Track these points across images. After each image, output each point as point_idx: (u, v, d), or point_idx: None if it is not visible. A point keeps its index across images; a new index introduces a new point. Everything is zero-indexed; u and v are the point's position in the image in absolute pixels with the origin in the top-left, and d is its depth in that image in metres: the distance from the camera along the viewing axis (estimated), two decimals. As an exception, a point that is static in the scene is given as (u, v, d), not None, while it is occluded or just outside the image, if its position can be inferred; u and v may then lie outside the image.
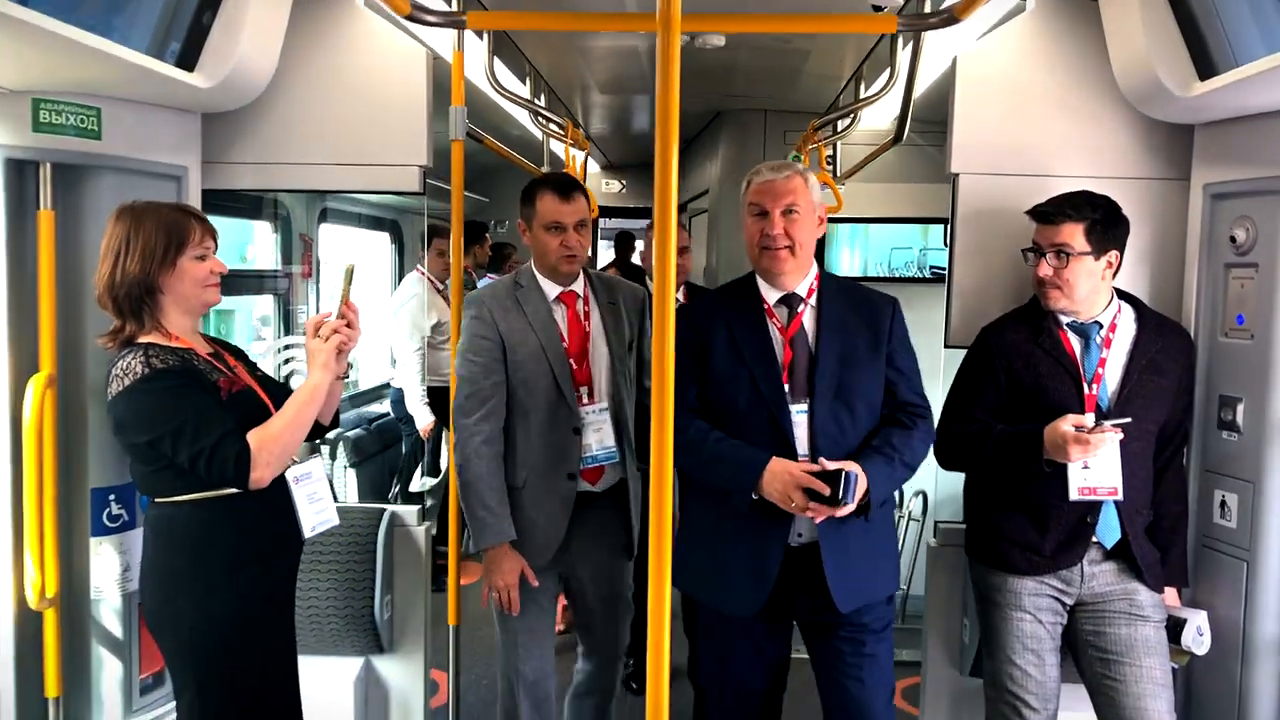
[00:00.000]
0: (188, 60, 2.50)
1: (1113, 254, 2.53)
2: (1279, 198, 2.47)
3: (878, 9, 3.08)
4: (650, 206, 6.03)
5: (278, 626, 2.41)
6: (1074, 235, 2.48)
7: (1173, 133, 2.76)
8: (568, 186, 2.76)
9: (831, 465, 2.26)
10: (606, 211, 8.64)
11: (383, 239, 6.26)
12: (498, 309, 2.75)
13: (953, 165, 2.85)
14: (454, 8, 2.92)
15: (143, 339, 2.22)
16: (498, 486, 2.69)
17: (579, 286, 2.84)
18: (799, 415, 2.38)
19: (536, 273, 2.81)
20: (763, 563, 2.37)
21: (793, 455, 2.34)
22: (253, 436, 2.16)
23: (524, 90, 4.30)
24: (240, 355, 2.50)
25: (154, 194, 2.56)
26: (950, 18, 2.27)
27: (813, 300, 2.48)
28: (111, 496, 2.62)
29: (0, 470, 2.47)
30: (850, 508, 2.26)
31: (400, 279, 6.16)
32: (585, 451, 2.75)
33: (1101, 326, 2.56)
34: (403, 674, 3.11)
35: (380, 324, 5.53)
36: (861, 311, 2.48)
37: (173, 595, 2.25)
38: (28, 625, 2.52)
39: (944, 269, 3.21)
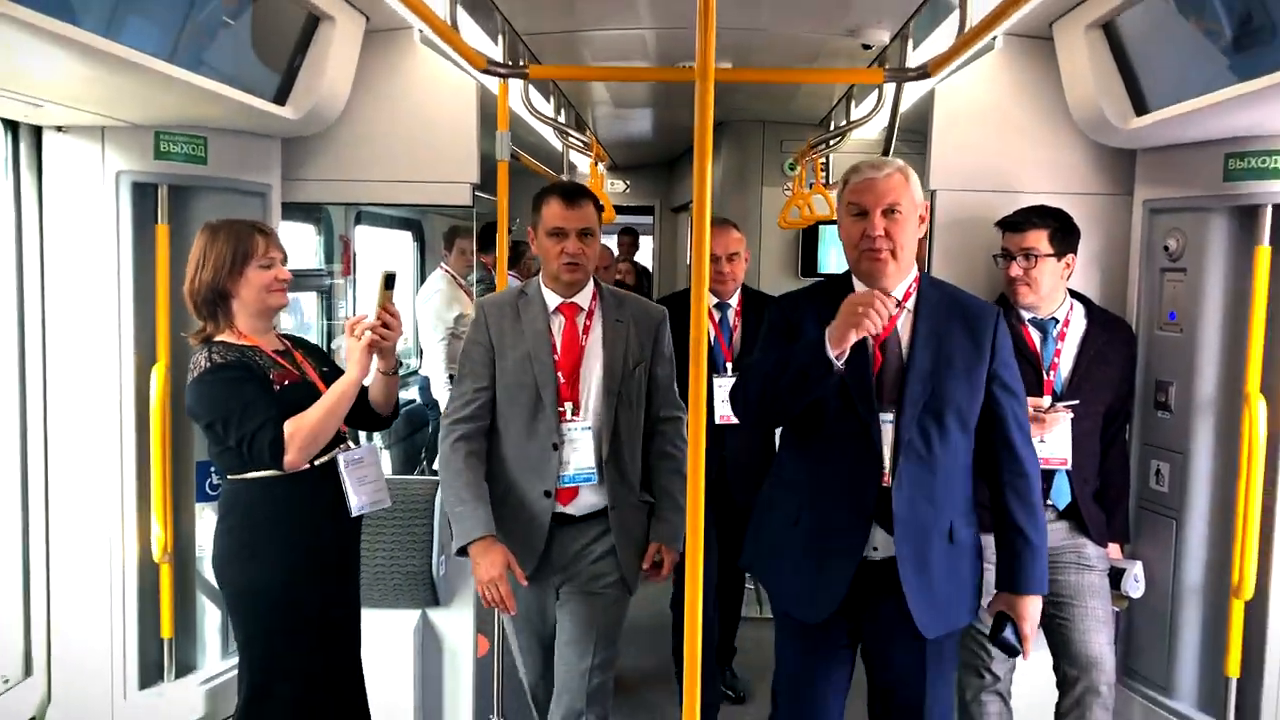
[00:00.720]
0: (281, 96, 2.95)
1: (1069, 257, 2.99)
2: (1203, 213, 2.94)
3: (867, 47, 3.53)
4: (651, 205, 6.63)
5: (325, 593, 2.66)
6: (1039, 240, 2.94)
7: (1118, 156, 3.22)
8: (574, 194, 2.70)
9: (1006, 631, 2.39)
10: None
11: (406, 238, 6.70)
12: (495, 314, 2.73)
13: (931, 182, 3.31)
14: (500, 47, 3.37)
15: (217, 337, 2.58)
16: (473, 482, 2.61)
17: (584, 299, 2.75)
18: (885, 425, 2.31)
19: (542, 283, 2.77)
20: (836, 572, 2.33)
21: (879, 465, 2.30)
22: (289, 425, 2.46)
23: (548, 108, 4.75)
24: (313, 351, 2.83)
25: (244, 209, 3.02)
26: (925, 73, 2.72)
27: (909, 304, 2.39)
28: (212, 468, 3.07)
29: (127, 444, 2.92)
30: (1028, 649, 2.39)
31: (422, 273, 6.60)
32: (563, 470, 2.65)
33: (1057, 322, 3.02)
34: (455, 626, 3.55)
35: (407, 317, 5.95)
36: (962, 320, 2.38)
37: (229, 559, 2.58)
38: (147, 577, 2.97)
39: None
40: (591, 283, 2.78)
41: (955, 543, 2.35)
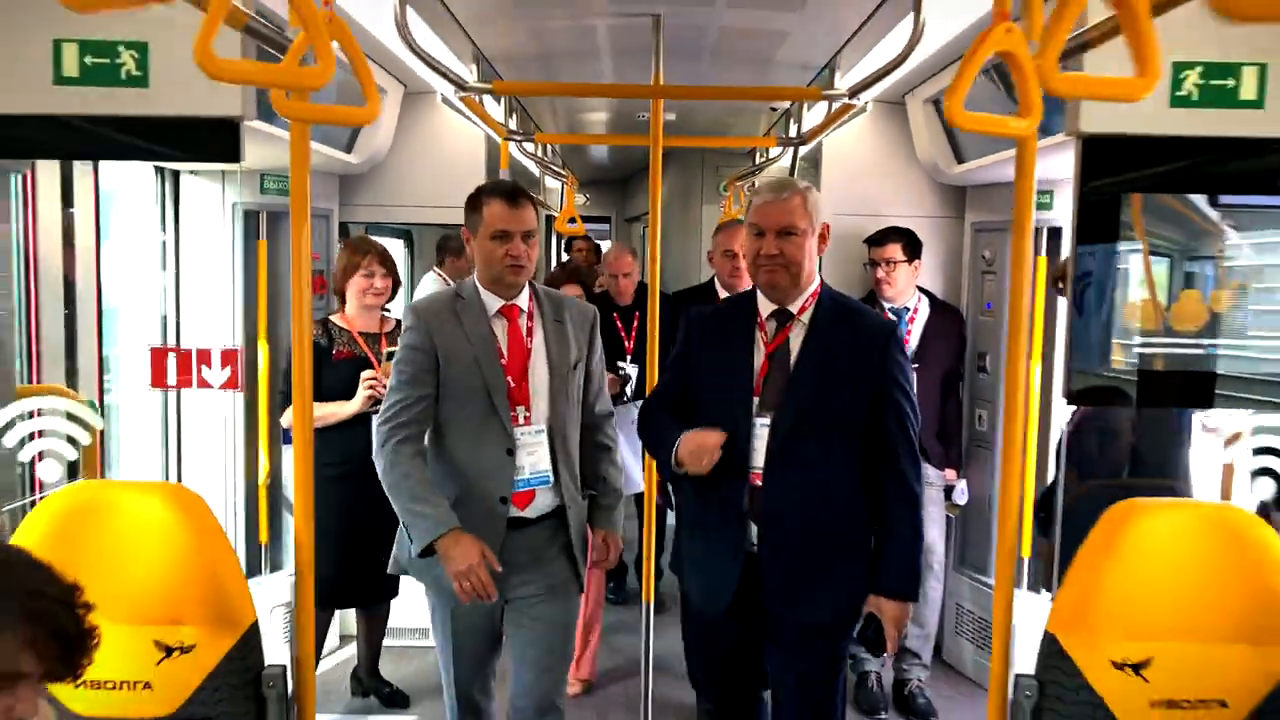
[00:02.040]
0: (349, 147, 4.08)
1: (917, 263, 4.20)
2: (1006, 232, 4.18)
3: (774, 109, 4.75)
4: (608, 216, 8.01)
5: (350, 504, 3.37)
6: (896, 251, 4.15)
7: (953, 190, 4.46)
8: (516, 194, 2.63)
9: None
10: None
11: (398, 244, 7.81)
12: (434, 320, 2.64)
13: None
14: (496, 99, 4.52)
15: (330, 316, 3.70)
16: (425, 481, 2.52)
17: (523, 301, 2.70)
18: (761, 428, 2.40)
19: (479, 284, 2.69)
20: (721, 564, 2.45)
21: (746, 464, 2.40)
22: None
23: (532, 146, 5.91)
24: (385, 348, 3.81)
25: (315, 230, 4.12)
26: (803, 140, 3.94)
27: (804, 318, 2.47)
28: (293, 420, 4.18)
29: (239, 399, 4.02)
30: (891, 650, 2.42)
31: (412, 275, 7.70)
32: (518, 474, 2.61)
33: (909, 310, 4.23)
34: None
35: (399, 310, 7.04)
36: (853, 335, 2.46)
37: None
38: (250, 497, 4.08)
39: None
40: (526, 284, 2.75)
41: (829, 544, 2.42)
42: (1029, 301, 3.65)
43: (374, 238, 4.19)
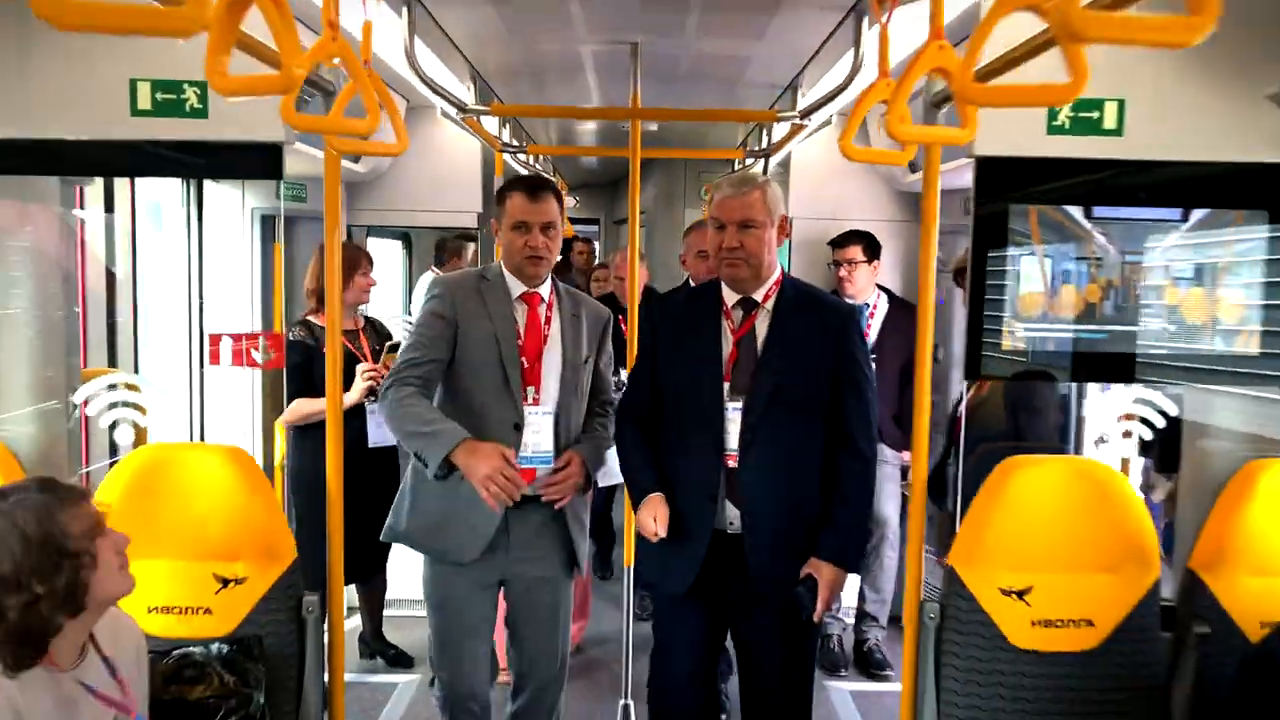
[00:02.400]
0: (357, 158, 4.47)
1: (876, 263, 4.61)
2: (954, 235, 4.60)
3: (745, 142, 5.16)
4: (597, 217, 8.55)
5: (347, 508, 3.79)
6: (857, 252, 4.55)
7: (909, 196, 4.87)
8: (537, 188, 2.73)
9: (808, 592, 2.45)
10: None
11: (396, 245, 8.21)
12: (459, 293, 2.73)
13: (791, 212, 4.92)
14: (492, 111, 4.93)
15: (310, 318, 3.97)
16: (431, 408, 2.59)
17: (544, 291, 2.80)
18: (734, 412, 2.49)
19: (504, 269, 2.79)
20: (690, 545, 2.52)
21: (722, 447, 2.50)
22: (295, 402, 3.70)
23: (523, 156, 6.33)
24: (378, 330, 4.18)
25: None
26: (767, 153, 4.35)
27: (769, 305, 2.57)
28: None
29: (256, 385, 4.41)
30: (819, 612, 2.45)
31: (410, 274, 8.09)
32: (522, 451, 2.68)
33: (869, 306, 4.64)
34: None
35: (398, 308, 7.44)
36: (815, 319, 2.56)
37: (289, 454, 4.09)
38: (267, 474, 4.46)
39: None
40: (549, 276, 2.84)
41: (801, 519, 2.52)
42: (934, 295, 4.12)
43: (373, 239, 4.59)
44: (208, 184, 4.31)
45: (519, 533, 2.73)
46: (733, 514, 2.50)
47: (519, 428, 2.67)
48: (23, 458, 2.51)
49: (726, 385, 2.50)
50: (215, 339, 2.98)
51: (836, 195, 4.90)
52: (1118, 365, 2.45)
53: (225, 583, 2.26)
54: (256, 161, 2.41)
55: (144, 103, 2.26)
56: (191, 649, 2.17)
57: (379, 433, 3.97)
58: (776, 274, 2.59)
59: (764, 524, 2.48)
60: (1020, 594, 2.30)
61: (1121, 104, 2.28)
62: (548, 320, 2.78)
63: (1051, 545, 2.31)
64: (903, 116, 1.80)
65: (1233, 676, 2.02)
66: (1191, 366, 2.41)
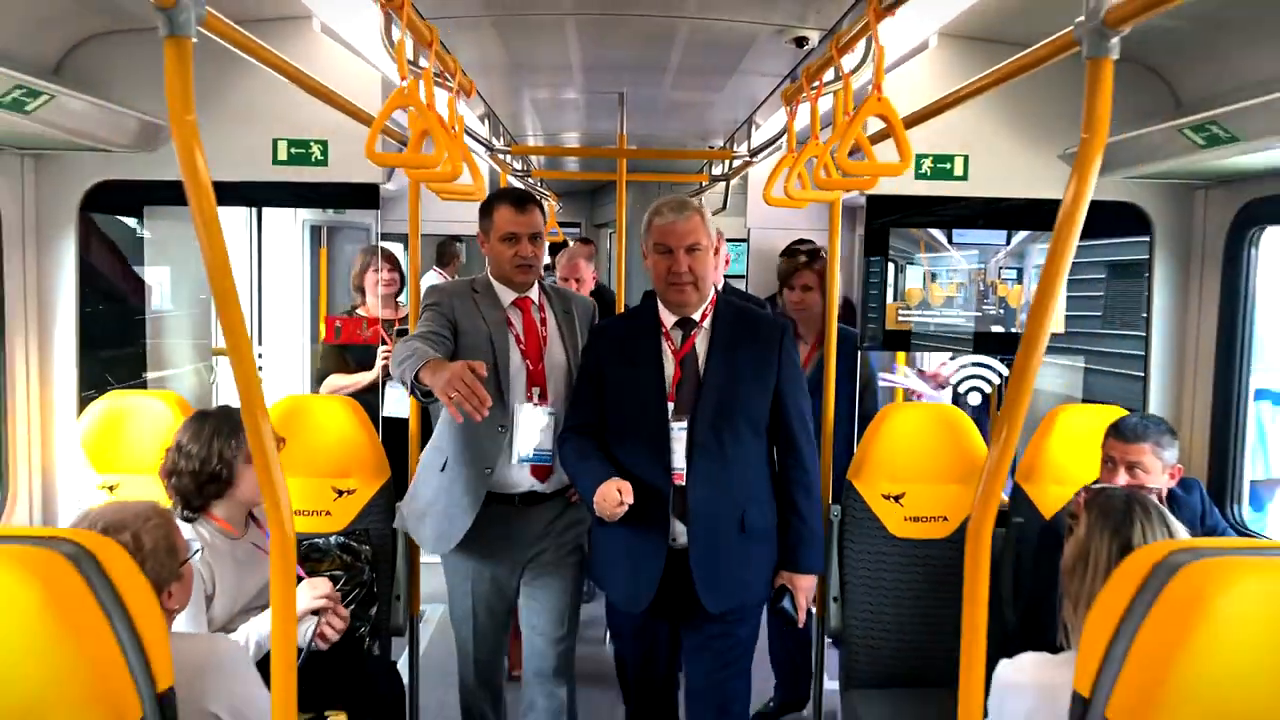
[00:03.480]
0: (389, 177, 5.40)
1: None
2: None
3: (712, 146, 6.15)
4: (578, 222, 9.71)
5: None
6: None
7: (847, 209, 5.85)
8: (523, 200, 2.81)
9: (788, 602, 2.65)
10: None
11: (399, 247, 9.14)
12: (455, 298, 2.85)
13: (747, 224, 5.90)
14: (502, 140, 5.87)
15: (358, 310, 4.98)
16: (423, 347, 2.57)
17: (534, 295, 2.90)
18: (679, 431, 2.54)
19: (492, 279, 2.88)
20: (647, 564, 2.58)
21: (669, 465, 2.55)
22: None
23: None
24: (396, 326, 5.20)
25: (362, 239, 5.43)
26: (728, 176, 5.33)
27: (706, 324, 2.64)
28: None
29: (305, 369, 5.31)
30: (801, 618, 2.66)
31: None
32: (522, 450, 2.77)
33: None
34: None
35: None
36: (751, 335, 2.63)
37: None
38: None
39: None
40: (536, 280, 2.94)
41: (748, 531, 2.60)
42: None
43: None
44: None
45: (533, 525, 2.86)
46: (678, 530, 2.56)
47: (504, 429, 2.77)
48: (191, 400, 3.40)
49: (671, 405, 2.55)
50: (331, 320, 3.90)
51: (787, 210, 5.87)
52: (969, 340, 3.45)
53: (340, 493, 3.17)
54: (360, 195, 3.32)
55: (282, 155, 3.19)
56: (315, 539, 3.10)
57: (394, 406, 4.70)
58: (712, 293, 2.67)
59: (710, 538, 2.54)
60: (896, 498, 3.15)
61: (967, 158, 3.28)
62: (543, 322, 2.90)
63: (917, 464, 3.13)
64: (807, 175, 2.79)
65: (1033, 545, 3.00)
66: (1015, 342, 3.45)
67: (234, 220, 5.06)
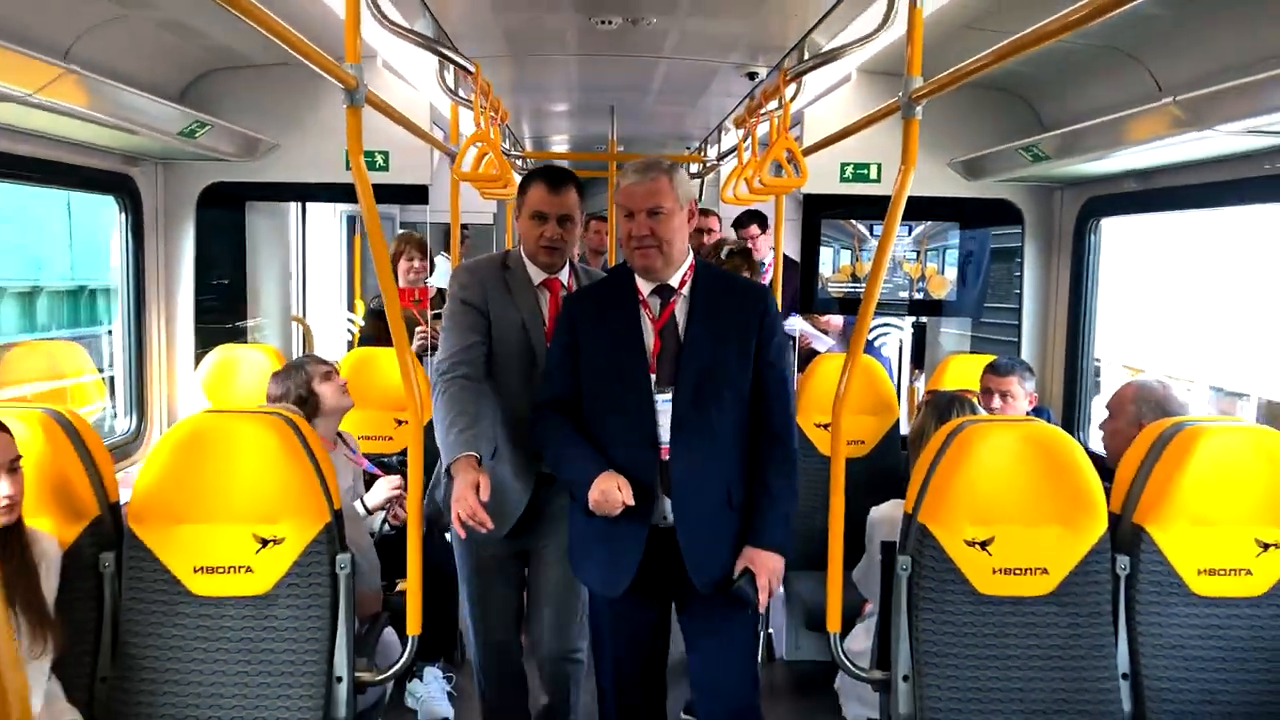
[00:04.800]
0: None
1: (767, 232, 6.56)
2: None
3: (688, 148, 7.13)
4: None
5: None
6: (755, 229, 6.49)
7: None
8: (558, 180, 2.75)
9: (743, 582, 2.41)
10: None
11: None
12: (487, 281, 2.78)
13: (720, 214, 6.87)
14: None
15: None
16: (465, 409, 2.58)
17: (564, 276, 2.83)
18: (664, 404, 2.44)
19: (524, 256, 2.81)
20: (627, 545, 2.45)
21: (656, 440, 2.43)
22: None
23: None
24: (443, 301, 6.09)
25: (389, 227, 6.38)
26: (703, 173, 6.31)
27: (685, 291, 2.50)
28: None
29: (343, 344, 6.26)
30: (764, 600, 2.42)
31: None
32: None
33: (766, 263, 6.56)
34: None
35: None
36: (732, 302, 2.51)
37: None
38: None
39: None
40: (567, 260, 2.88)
41: (734, 507, 2.48)
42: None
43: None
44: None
45: (547, 507, 2.82)
46: (666, 507, 2.45)
47: None
48: (283, 352, 4.32)
49: (653, 377, 2.46)
50: (404, 292, 4.85)
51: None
52: (882, 306, 4.45)
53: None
54: (413, 193, 4.27)
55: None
56: (383, 458, 4.04)
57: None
58: (689, 259, 2.54)
59: (697, 515, 2.44)
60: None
61: (880, 165, 4.26)
62: None
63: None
64: (763, 173, 3.78)
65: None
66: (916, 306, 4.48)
67: (289, 214, 6.01)
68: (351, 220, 6.25)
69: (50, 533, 2.36)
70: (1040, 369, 4.28)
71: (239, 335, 4.45)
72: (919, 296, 4.37)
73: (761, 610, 2.48)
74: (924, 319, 5.23)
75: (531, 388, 2.71)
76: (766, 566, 2.44)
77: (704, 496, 2.46)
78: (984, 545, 2.52)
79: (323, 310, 6.20)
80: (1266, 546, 2.52)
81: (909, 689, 2.50)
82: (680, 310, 2.52)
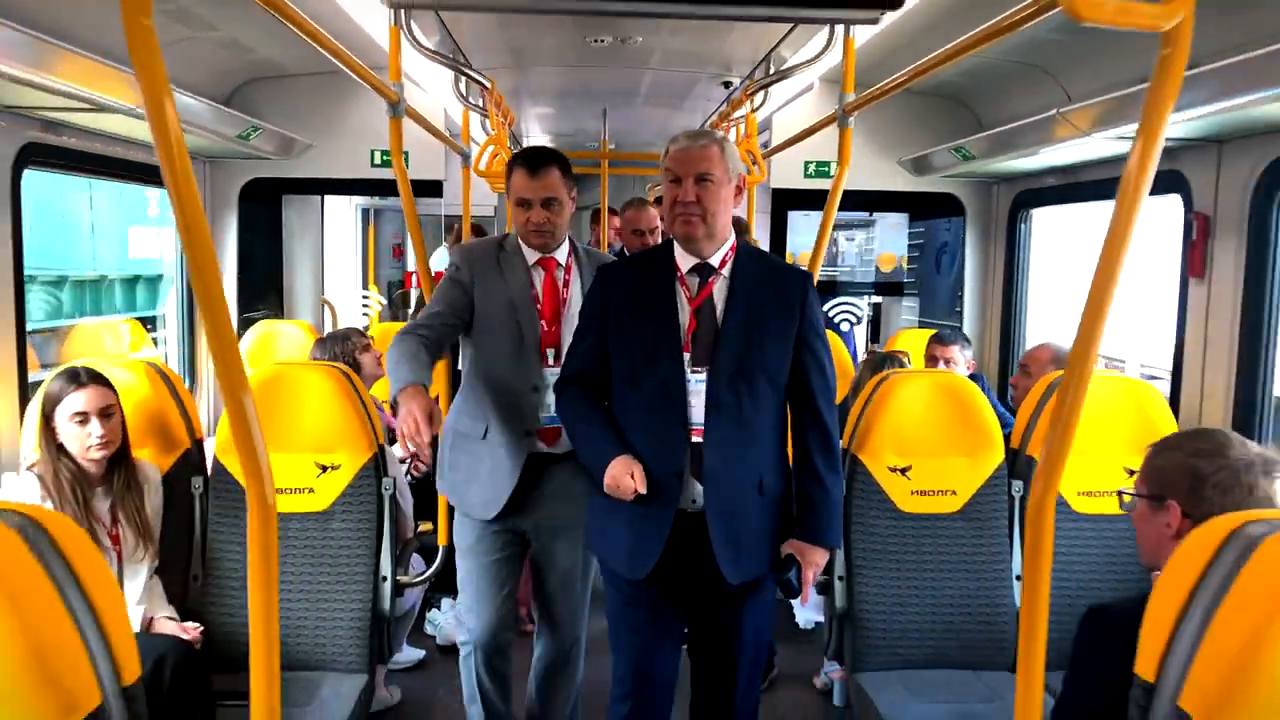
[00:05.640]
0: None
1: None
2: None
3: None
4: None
5: None
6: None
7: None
8: (537, 163, 2.71)
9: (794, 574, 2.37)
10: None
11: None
12: (477, 264, 2.80)
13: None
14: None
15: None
16: (415, 353, 2.56)
17: (561, 255, 2.82)
18: (697, 384, 2.36)
19: (520, 238, 2.82)
20: (653, 526, 2.37)
21: (686, 421, 2.36)
22: None
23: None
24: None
25: (397, 219, 6.96)
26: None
27: (725, 271, 2.41)
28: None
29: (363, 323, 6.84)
30: (808, 593, 2.41)
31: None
32: (545, 411, 2.74)
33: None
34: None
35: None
36: (773, 284, 2.42)
37: None
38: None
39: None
40: (567, 240, 2.85)
41: (765, 495, 2.40)
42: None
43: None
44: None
45: (545, 486, 2.81)
46: (695, 491, 2.37)
47: (538, 389, 2.75)
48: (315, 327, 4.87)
49: (687, 356, 2.37)
50: (408, 274, 5.44)
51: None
52: (840, 286, 5.05)
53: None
54: (428, 188, 4.84)
55: (376, 160, 4.72)
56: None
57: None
58: (732, 238, 2.44)
59: (727, 500, 2.36)
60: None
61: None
62: (566, 283, 2.82)
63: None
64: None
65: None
66: (876, 287, 5.07)
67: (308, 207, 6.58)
68: (365, 211, 6.82)
69: (151, 461, 2.94)
70: (980, 341, 4.88)
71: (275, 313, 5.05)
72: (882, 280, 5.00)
73: (804, 603, 2.52)
74: (878, 299, 5.87)
75: (520, 366, 2.76)
76: (815, 562, 2.41)
77: (736, 482, 2.38)
78: (904, 472, 3.04)
79: (341, 290, 6.77)
80: (1133, 473, 2.88)
81: (844, 588, 3.02)
82: (719, 291, 2.40)
